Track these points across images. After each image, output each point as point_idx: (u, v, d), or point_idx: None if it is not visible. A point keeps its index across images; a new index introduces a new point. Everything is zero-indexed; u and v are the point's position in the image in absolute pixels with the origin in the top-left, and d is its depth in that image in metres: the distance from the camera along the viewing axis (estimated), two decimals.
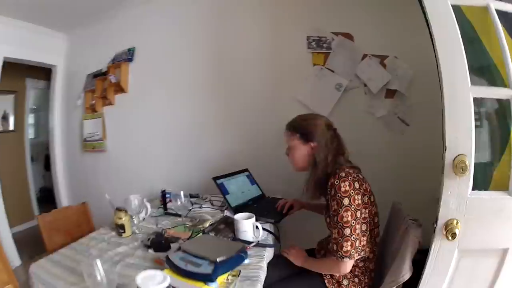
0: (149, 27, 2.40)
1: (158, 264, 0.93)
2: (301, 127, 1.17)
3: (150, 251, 1.06)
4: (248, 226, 1.09)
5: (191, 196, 1.87)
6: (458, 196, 0.86)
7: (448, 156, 0.85)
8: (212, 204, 1.68)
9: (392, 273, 0.96)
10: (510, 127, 0.89)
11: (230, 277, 0.79)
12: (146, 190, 2.02)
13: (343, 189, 0.97)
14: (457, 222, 0.86)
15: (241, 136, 2.12)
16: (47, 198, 3.49)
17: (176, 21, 2.28)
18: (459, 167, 0.83)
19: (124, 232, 1.24)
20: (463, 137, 0.84)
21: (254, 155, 2.00)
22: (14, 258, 2.44)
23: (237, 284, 0.78)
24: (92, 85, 2.64)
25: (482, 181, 0.89)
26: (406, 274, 0.92)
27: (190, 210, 1.58)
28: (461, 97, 0.83)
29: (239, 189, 1.65)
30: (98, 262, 0.63)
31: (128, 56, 2.46)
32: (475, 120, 0.85)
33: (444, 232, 0.87)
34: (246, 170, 1.81)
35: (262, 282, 0.84)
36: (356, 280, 1.07)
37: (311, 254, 1.25)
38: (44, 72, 3.14)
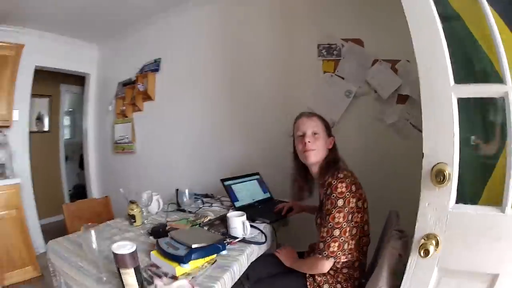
0: (173, 40, 2.64)
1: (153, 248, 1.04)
2: (325, 120, 1.19)
3: (151, 237, 1.20)
4: (238, 223, 1.16)
5: (207, 196, 2.00)
6: (437, 209, 0.76)
7: (425, 164, 0.75)
8: (222, 204, 1.78)
9: (369, 285, 0.93)
10: (506, 132, 0.73)
11: (205, 264, 0.87)
12: (169, 189, 2.17)
13: (339, 190, 0.97)
14: (436, 239, 0.76)
15: (255, 142, 2.22)
16: (81, 195, 3.80)
17: (196, 34, 2.49)
18: (437, 177, 0.73)
19: (135, 221, 1.41)
20: (443, 143, 0.74)
21: (267, 159, 2.08)
22: (40, 245, 2.63)
23: (209, 270, 0.86)
24: (123, 92, 2.95)
25: (470, 194, 0.79)
26: (382, 287, 0.87)
27: (201, 208, 1.70)
28: (442, 97, 0.72)
29: (248, 191, 1.72)
30: (93, 233, 0.78)
31: (154, 66, 2.71)
32: (464, 124, 0.73)
33: (417, 248, 0.77)
34: (257, 173, 1.88)
35: (235, 273, 0.91)
36: (338, 286, 1.06)
37: (303, 257, 1.27)
38: (78, 78, 3.44)
